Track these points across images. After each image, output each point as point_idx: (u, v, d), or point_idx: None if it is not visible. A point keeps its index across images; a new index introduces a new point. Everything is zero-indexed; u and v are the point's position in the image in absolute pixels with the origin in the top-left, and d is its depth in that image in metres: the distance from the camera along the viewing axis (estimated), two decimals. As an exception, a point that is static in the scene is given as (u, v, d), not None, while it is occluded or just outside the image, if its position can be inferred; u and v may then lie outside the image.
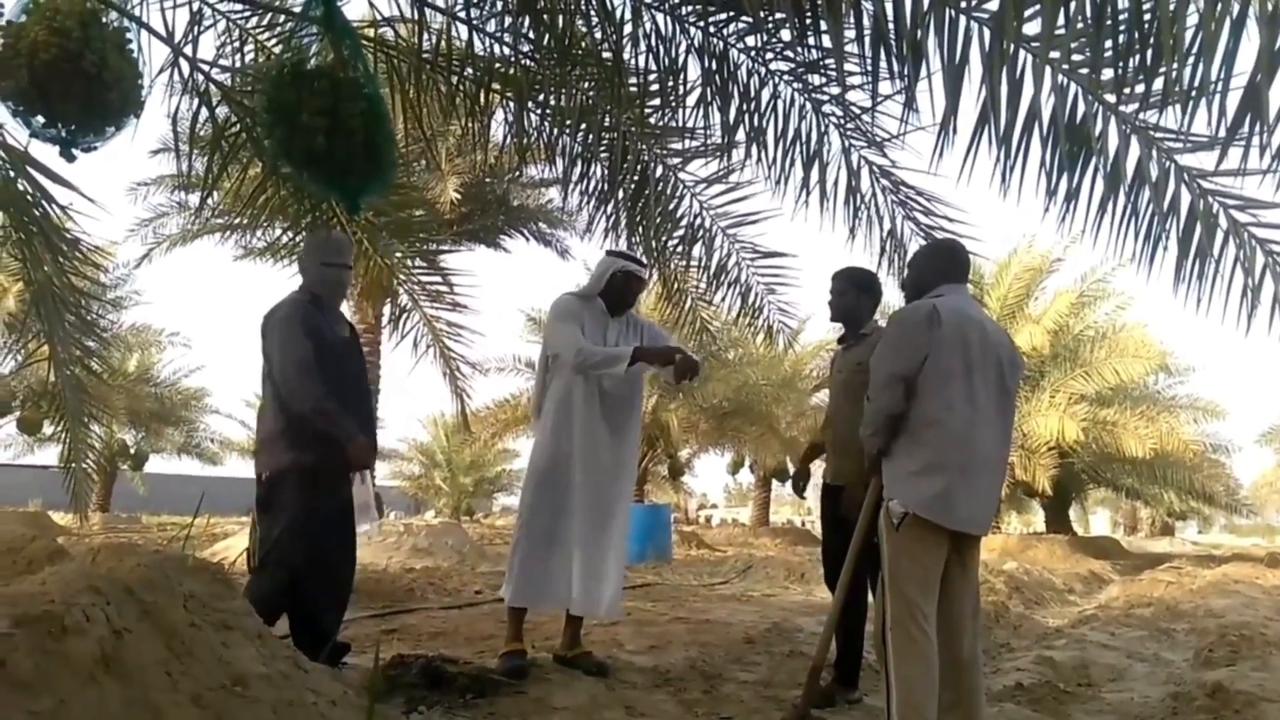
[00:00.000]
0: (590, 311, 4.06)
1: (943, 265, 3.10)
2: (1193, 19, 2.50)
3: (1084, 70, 3.11)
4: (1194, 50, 2.50)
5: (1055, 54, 2.99)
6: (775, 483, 26.45)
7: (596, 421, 3.93)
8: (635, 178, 5.19)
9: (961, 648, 2.90)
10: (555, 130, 4.99)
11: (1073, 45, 3.05)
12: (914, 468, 2.83)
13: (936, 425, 2.80)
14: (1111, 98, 3.19)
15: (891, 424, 2.86)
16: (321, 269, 3.80)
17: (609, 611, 3.99)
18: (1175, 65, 2.54)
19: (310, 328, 3.60)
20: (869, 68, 3.16)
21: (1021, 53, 3.01)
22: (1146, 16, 2.59)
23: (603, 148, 5.00)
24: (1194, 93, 2.64)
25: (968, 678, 2.90)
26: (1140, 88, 3.02)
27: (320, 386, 3.51)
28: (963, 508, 2.82)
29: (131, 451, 23.83)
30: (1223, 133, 2.59)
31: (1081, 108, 3.21)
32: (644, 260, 4.36)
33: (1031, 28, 2.94)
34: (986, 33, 2.96)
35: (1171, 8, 2.41)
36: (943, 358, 2.79)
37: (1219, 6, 2.39)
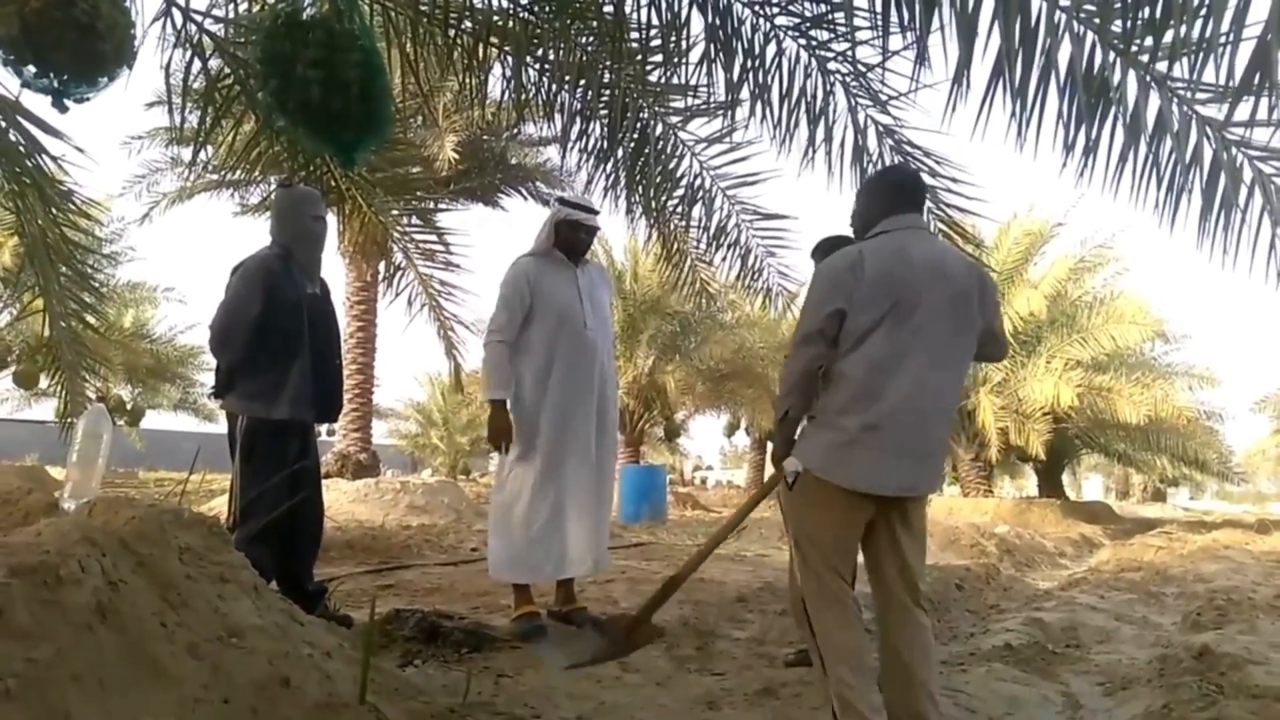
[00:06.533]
0: (550, 267, 4.01)
1: (885, 196, 2.79)
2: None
3: (1097, 21, 3.04)
4: (1205, 7, 2.44)
5: (1067, 1, 2.92)
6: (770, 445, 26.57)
7: (576, 378, 3.92)
8: (635, 136, 5.12)
9: (889, 632, 2.57)
10: (554, 86, 4.91)
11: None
12: (818, 424, 2.61)
13: (846, 379, 2.54)
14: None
15: (806, 383, 2.58)
16: (310, 222, 3.91)
17: (602, 566, 4.13)
18: (1185, 21, 2.48)
19: (272, 285, 3.70)
20: (878, 21, 3.09)
21: (1036, 1, 2.93)
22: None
23: (602, 105, 4.93)
24: (1204, 47, 2.58)
25: (900, 667, 2.51)
26: (1150, 41, 2.95)
27: (240, 350, 3.64)
28: (871, 468, 2.51)
29: (128, 407, 23.84)
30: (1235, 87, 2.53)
31: (1099, 57, 3.12)
32: (592, 206, 4.27)
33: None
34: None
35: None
36: (866, 309, 2.51)
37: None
